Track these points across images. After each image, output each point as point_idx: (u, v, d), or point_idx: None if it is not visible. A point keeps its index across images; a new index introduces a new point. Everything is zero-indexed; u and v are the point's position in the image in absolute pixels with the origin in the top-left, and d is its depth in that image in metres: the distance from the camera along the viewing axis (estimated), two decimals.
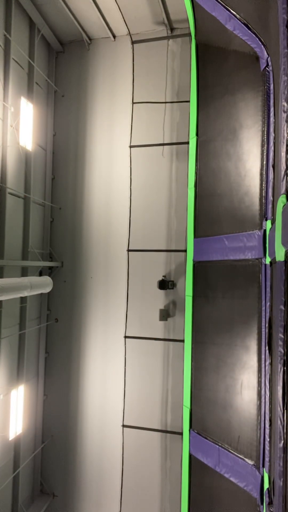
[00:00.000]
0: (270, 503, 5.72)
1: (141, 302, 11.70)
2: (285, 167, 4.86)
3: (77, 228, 12.53)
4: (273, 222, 5.97)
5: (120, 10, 11.05)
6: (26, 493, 11.59)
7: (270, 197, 6.54)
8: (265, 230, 6.74)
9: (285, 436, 4.63)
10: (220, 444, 7.71)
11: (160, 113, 11.77)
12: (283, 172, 4.89)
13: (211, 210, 8.82)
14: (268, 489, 5.93)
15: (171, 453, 11.17)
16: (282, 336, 4.94)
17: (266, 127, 6.81)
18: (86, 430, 12.06)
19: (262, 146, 6.96)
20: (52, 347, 12.54)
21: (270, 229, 6.25)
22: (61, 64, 12.96)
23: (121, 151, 12.07)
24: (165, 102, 11.71)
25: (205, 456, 8.19)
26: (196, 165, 9.45)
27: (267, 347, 6.44)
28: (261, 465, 6.51)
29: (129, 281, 11.71)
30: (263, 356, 6.66)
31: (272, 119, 6.55)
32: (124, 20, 11.46)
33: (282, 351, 4.90)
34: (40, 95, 12.13)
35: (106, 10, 11.31)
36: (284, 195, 4.75)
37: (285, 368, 4.78)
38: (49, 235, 12.68)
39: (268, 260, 6.53)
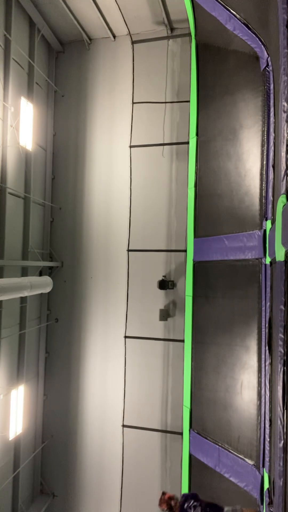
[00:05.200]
0: (270, 503, 5.72)
1: (141, 302, 11.70)
2: (285, 167, 4.86)
3: (77, 228, 12.52)
4: (273, 222, 5.97)
5: (120, 10, 11.04)
6: (26, 493, 11.59)
7: (270, 197, 6.54)
8: (265, 230, 6.74)
9: (285, 436, 4.63)
10: (220, 444, 7.71)
11: (160, 113, 11.77)
12: (283, 172, 4.89)
13: (211, 210, 8.82)
14: (268, 489, 5.93)
15: (171, 453, 11.16)
16: (282, 336, 4.94)
17: (266, 127, 6.81)
18: (86, 430, 12.06)
19: (262, 146, 6.96)
20: (52, 347, 12.54)
21: (270, 229, 6.25)
22: (61, 64, 12.95)
23: (121, 151, 12.06)
24: (165, 102, 11.70)
25: (205, 456, 8.19)
26: (196, 165, 9.45)
27: (267, 347, 6.44)
28: (261, 465, 6.51)
29: (129, 281, 11.70)
30: (263, 356, 6.66)
31: (272, 119, 6.55)
32: (124, 20, 11.45)
33: (282, 351, 4.90)
34: (40, 95, 12.13)
35: (106, 10, 11.31)
36: (284, 195, 4.75)
37: (285, 368, 4.78)
38: (49, 235, 12.67)
39: (268, 260, 6.53)
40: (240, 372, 7.38)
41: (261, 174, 6.96)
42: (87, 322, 12.27)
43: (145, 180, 11.85)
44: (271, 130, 6.52)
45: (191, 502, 4.34)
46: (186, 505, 4.39)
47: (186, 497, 4.45)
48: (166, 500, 4.47)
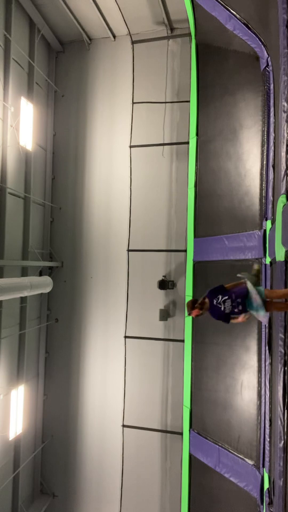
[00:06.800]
0: (270, 503, 5.73)
1: (141, 302, 11.69)
2: (285, 167, 4.86)
3: (77, 228, 12.52)
4: (273, 222, 5.97)
5: (120, 10, 11.04)
6: (26, 493, 11.58)
7: (270, 197, 6.54)
8: (265, 230, 6.74)
9: (285, 436, 4.64)
10: (220, 444, 7.71)
11: (160, 113, 11.76)
12: (283, 172, 4.89)
13: (211, 210, 8.83)
14: (268, 489, 5.93)
15: (171, 453, 11.16)
16: (282, 336, 4.94)
17: (266, 127, 6.81)
18: (86, 430, 12.05)
19: (262, 146, 6.96)
20: (52, 347, 12.54)
21: (270, 229, 6.25)
22: (61, 64, 12.95)
23: (121, 151, 12.06)
24: (165, 102, 11.70)
25: (205, 456, 8.20)
26: (196, 165, 9.46)
27: (267, 347, 6.44)
28: (261, 465, 6.51)
29: (129, 281, 11.70)
30: (263, 356, 6.67)
31: (272, 119, 6.55)
32: (124, 20, 11.44)
33: (282, 351, 4.91)
34: (40, 95, 12.12)
35: (106, 10, 11.31)
36: (284, 195, 4.75)
37: (285, 368, 4.78)
38: (49, 235, 12.67)
39: (268, 260, 6.53)
40: (240, 372, 7.38)
41: (261, 174, 6.96)
42: (87, 322, 12.27)
43: (145, 180, 11.85)
44: (271, 130, 6.52)
45: (219, 299, 4.25)
46: (215, 302, 4.26)
47: (212, 294, 4.28)
48: (192, 307, 4.36)
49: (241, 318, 4.40)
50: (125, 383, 11.45)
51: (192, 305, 4.35)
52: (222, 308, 4.25)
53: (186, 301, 4.53)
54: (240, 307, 4.26)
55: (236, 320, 4.42)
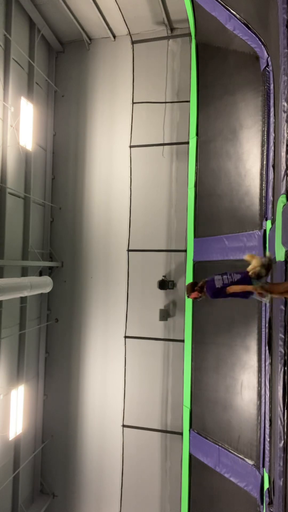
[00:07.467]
0: (270, 503, 5.73)
1: (141, 302, 11.69)
2: (285, 167, 4.87)
3: (77, 228, 12.52)
4: (273, 222, 5.97)
5: (120, 10, 11.04)
6: (26, 493, 11.58)
7: (270, 197, 6.54)
8: (265, 230, 6.74)
9: (285, 436, 4.64)
10: (220, 444, 7.71)
11: (160, 113, 11.76)
12: (283, 172, 4.89)
13: (211, 210, 8.83)
14: (268, 489, 5.93)
15: (171, 453, 11.16)
16: (282, 336, 4.95)
17: (266, 127, 6.81)
18: (86, 430, 12.06)
19: (262, 146, 6.96)
20: (52, 347, 12.54)
21: (270, 229, 6.26)
22: (61, 64, 12.95)
23: (121, 151, 12.06)
24: (165, 102, 11.70)
25: (205, 456, 8.20)
26: (196, 165, 9.46)
27: (267, 347, 6.45)
28: (261, 465, 6.51)
29: (129, 281, 11.70)
30: (263, 356, 6.67)
31: (272, 119, 6.55)
32: (124, 20, 11.45)
33: (282, 351, 4.91)
34: (40, 95, 12.13)
35: (106, 10, 11.31)
36: (284, 195, 4.76)
37: (285, 368, 4.78)
38: (49, 235, 12.67)
39: None
40: (240, 372, 7.38)
41: (261, 174, 6.96)
42: (87, 322, 12.27)
43: (145, 180, 11.85)
44: (271, 130, 6.53)
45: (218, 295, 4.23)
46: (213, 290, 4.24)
47: (210, 293, 4.25)
48: (192, 289, 4.37)
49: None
50: (125, 383, 11.45)
51: (191, 287, 4.42)
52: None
53: (186, 283, 4.59)
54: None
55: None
